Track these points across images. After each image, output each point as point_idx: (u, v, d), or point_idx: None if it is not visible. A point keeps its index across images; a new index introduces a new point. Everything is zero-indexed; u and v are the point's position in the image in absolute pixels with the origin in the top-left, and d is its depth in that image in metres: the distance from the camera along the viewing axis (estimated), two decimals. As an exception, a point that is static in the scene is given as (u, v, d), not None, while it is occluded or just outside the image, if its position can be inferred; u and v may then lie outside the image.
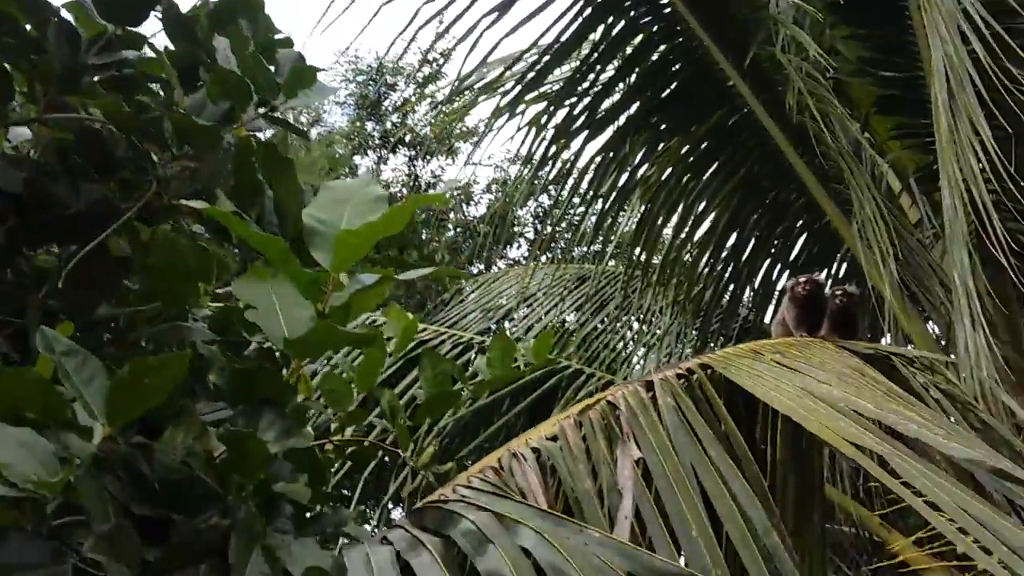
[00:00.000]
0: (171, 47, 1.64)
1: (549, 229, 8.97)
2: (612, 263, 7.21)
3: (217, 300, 1.97)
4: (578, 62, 5.46)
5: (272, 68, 1.61)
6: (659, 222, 5.94)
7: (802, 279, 3.98)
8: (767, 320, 6.03)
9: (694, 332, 6.28)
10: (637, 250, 6.03)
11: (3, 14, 1.50)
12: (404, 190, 10.75)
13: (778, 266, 6.06)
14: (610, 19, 5.30)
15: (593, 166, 5.77)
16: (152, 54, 1.61)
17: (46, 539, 1.04)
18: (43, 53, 1.51)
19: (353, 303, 1.32)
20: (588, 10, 5.22)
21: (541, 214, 11.01)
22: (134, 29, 1.60)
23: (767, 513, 2.20)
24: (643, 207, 5.97)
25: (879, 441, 2.29)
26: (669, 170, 5.79)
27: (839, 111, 4.68)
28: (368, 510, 8.02)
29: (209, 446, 1.16)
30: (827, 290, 4.07)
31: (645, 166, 5.84)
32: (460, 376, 2.35)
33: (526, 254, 11.17)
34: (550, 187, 6.44)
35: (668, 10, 5.23)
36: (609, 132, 5.65)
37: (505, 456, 2.40)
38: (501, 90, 5.49)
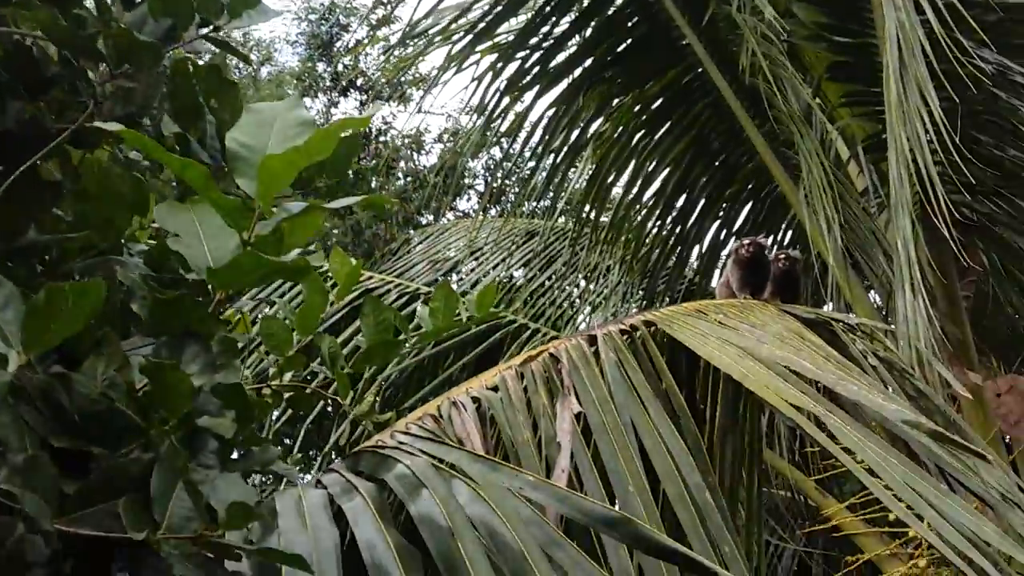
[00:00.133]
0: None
1: (497, 184, 8.95)
2: (562, 220, 7.21)
3: (158, 237, 1.91)
4: (532, 12, 5.40)
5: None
6: (610, 180, 5.94)
7: (746, 241, 4.01)
8: (713, 283, 6.06)
9: (640, 292, 6.31)
10: (587, 207, 6.03)
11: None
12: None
13: (725, 230, 6.10)
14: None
15: (545, 120, 5.74)
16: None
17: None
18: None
19: (284, 234, 1.28)
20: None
21: (492, 167, 10.94)
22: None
23: (704, 472, 2.21)
24: (594, 164, 5.96)
25: (817, 402, 2.31)
26: (621, 127, 5.78)
27: (792, 75, 4.69)
28: (311, 460, 8.00)
29: (131, 378, 1.12)
30: (771, 254, 4.09)
31: (598, 122, 5.83)
32: (402, 326, 2.32)
33: (476, 206, 11.11)
34: (502, 140, 6.40)
35: (626, -37, 5.20)
36: (563, 85, 5.62)
37: (445, 404, 2.38)
38: (455, 37, 5.42)
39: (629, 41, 5.47)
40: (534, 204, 8.44)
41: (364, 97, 11.55)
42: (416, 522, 1.50)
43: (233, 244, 1.27)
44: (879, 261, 4.94)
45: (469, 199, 11.75)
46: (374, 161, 10.08)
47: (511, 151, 6.37)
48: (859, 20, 4.82)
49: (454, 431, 2.25)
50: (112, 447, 1.07)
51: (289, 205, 1.30)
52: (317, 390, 2.35)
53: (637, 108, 5.71)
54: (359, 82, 11.72)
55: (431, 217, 10.03)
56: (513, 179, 8.03)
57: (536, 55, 5.53)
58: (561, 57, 5.58)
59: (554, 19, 5.44)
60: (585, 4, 5.44)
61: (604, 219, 6.13)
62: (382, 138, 10.89)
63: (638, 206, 6.03)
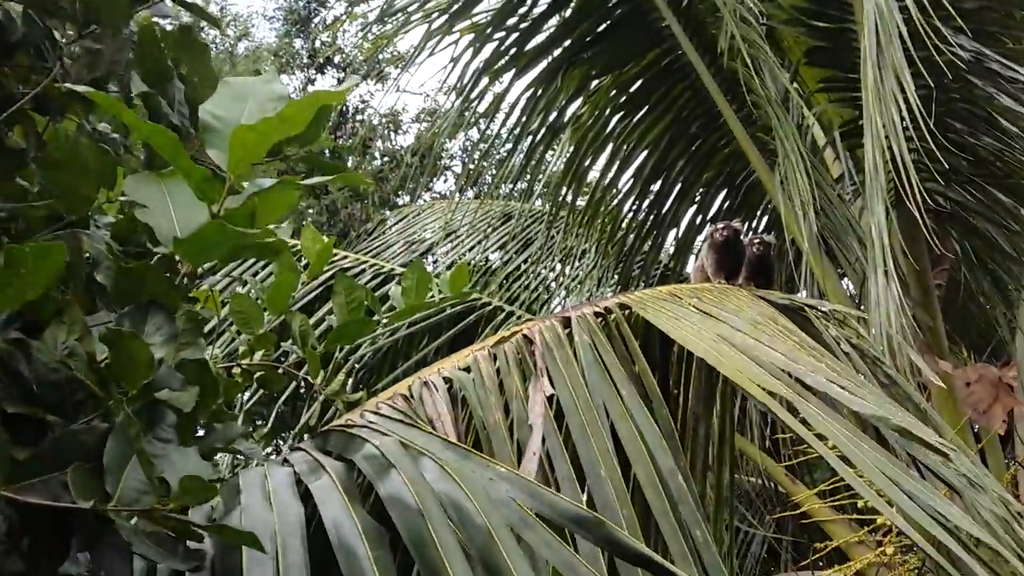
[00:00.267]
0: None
1: (473, 166, 8.90)
2: (539, 203, 7.19)
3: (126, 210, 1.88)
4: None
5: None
6: (587, 163, 5.92)
7: (720, 225, 4.01)
8: (688, 268, 6.07)
9: (616, 276, 6.30)
10: (563, 190, 6.01)
11: None
12: (331, 114, 10.49)
13: (700, 216, 6.10)
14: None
15: (523, 101, 5.71)
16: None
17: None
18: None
19: (258, 211, 1.25)
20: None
21: (470, 148, 10.91)
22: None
23: (675, 456, 2.21)
24: (572, 146, 5.94)
25: (789, 387, 2.30)
26: (599, 110, 5.76)
27: (770, 59, 4.68)
28: (284, 440, 7.97)
29: (92, 348, 1.10)
30: (745, 239, 4.09)
31: (576, 104, 5.80)
32: (375, 305, 2.30)
33: (453, 188, 11.07)
34: (480, 121, 6.37)
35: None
36: (541, 67, 5.59)
37: (416, 384, 2.36)
38: (433, 16, 5.38)
39: (608, 22, 5.45)
40: (511, 186, 8.42)
41: (341, 75, 11.47)
42: (385, 502, 1.47)
43: (202, 217, 1.25)
44: (853, 248, 4.95)
45: (446, 180, 11.72)
46: (351, 140, 10.02)
47: (488, 132, 6.34)
48: (838, 5, 4.83)
49: (425, 412, 2.23)
50: (70, 417, 1.05)
51: (261, 180, 1.28)
52: (288, 369, 2.33)
53: (615, 90, 5.70)
54: (336, 59, 11.63)
55: (408, 198, 9.99)
56: (491, 161, 7.99)
57: (514, 36, 5.50)
58: (540, 38, 5.56)
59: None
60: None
61: (580, 202, 6.12)
62: (359, 117, 10.81)
63: (615, 190, 6.02)
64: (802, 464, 5.58)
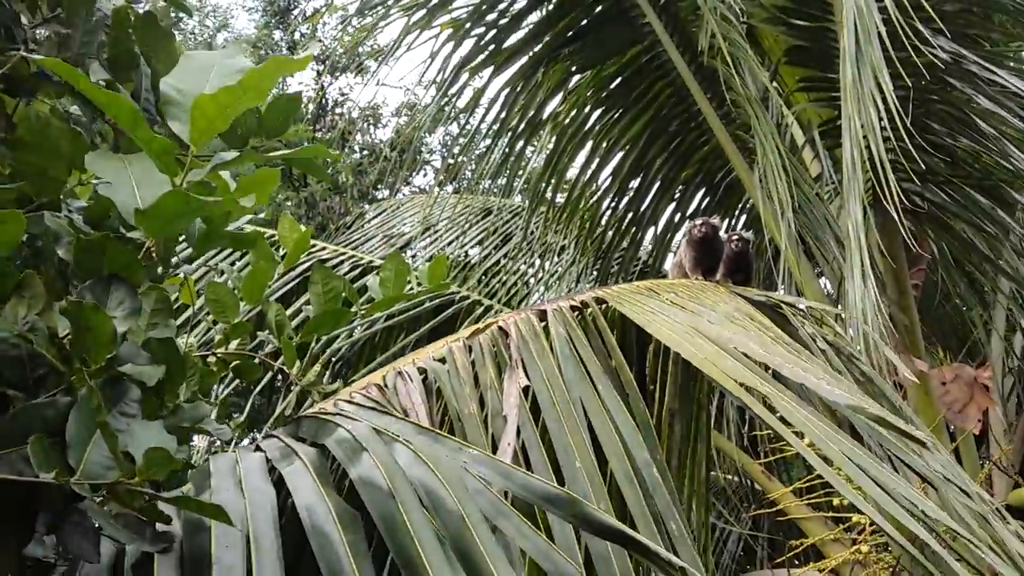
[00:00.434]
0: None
1: (453, 160, 8.88)
2: (519, 198, 7.18)
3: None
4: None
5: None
6: (567, 160, 5.92)
7: (698, 221, 4.01)
8: (666, 266, 6.08)
9: (595, 272, 6.31)
10: (543, 186, 6.00)
11: None
12: (311, 106, 10.52)
13: (679, 214, 6.11)
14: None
15: (502, 97, 5.70)
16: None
17: None
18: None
19: (236, 197, 1.23)
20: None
21: (450, 142, 10.89)
22: None
23: (651, 450, 2.20)
24: (552, 143, 5.94)
25: (765, 382, 2.30)
26: (579, 107, 5.75)
27: (750, 57, 4.69)
28: (259, 434, 7.92)
29: (53, 322, 1.08)
30: (723, 235, 4.10)
31: (556, 100, 5.80)
32: (352, 296, 2.29)
33: (432, 182, 11.05)
34: (460, 116, 6.35)
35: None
36: (521, 62, 5.58)
37: (390, 375, 2.35)
38: (413, 8, 5.36)
39: (589, 19, 5.44)
40: (490, 182, 8.41)
41: (320, 67, 11.44)
42: (356, 485, 1.46)
43: (164, 189, 1.23)
44: (831, 247, 4.97)
45: (426, 175, 11.69)
46: (330, 133, 9.97)
47: (468, 127, 6.33)
48: (818, 4, 4.84)
49: (399, 402, 2.21)
50: (31, 392, 1.03)
51: (223, 153, 1.25)
52: (264, 359, 2.31)
53: (595, 87, 5.70)
54: (316, 51, 11.57)
55: (387, 192, 9.96)
56: (470, 156, 7.98)
57: (494, 31, 5.48)
58: (520, 34, 5.55)
59: (515, -7, 5.41)
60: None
61: (560, 199, 6.12)
62: (338, 110, 10.77)
63: (594, 186, 6.02)
64: (778, 461, 5.60)
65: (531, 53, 5.55)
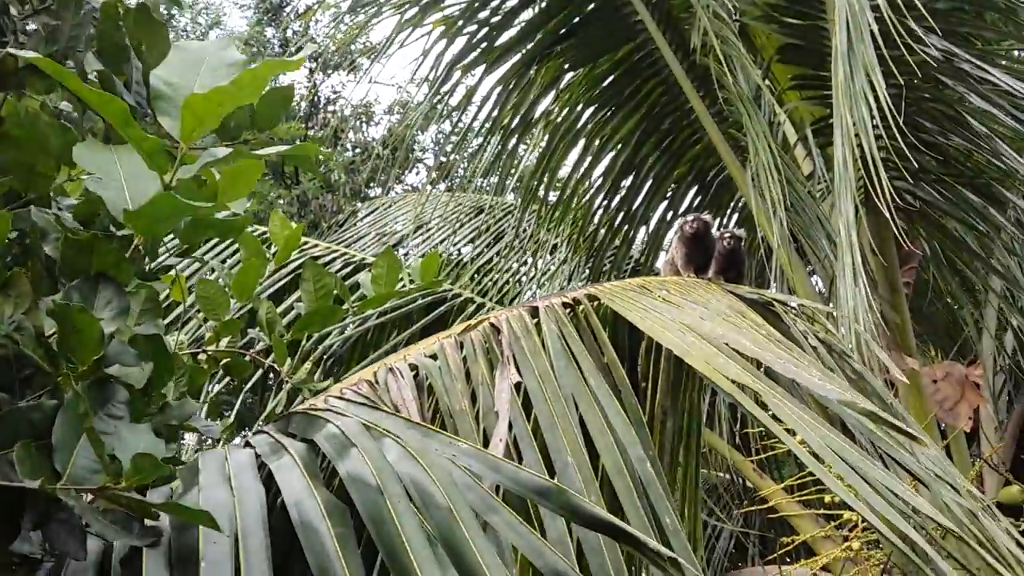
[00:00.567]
0: None
1: (445, 158, 8.87)
2: (511, 196, 7.18)
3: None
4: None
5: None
6: (559, 158, 5.91)
7: (690, 217, 4.00)
8: (658, 264, 6.08)
9: (587, 270, 6.30)
10: (535, 184, 6.00)
11: None
12: (303, 104, 10.51)
13: (671, 212, 6.10)
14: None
15: (495, 95, 5.69)
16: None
17: None
18: None
19: (220, 188, 1.22)
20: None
21: (442, 140, 10.87)
22: None
23: (644, 446, 2.19)
24: (544, 141, 5.93)
25: (756, 379, 2.30)
26: (571, 105, 5.75)
27: (743, 55, 4.69)
28: (249, 431, 7.91)
29: (39, 322, 1.07)
30: (715, 232, 4.09)
31: (548, 98, 5.79)
32: (344, 293, 2.28)
33: (425, 180, 11.04)
34: (452, 114, 6.35)
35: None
36: (514, 60, 5.58)
37: (381, 371, 2.34)
38: (404, 6, 5.36)
39: (581, 17, 5.44)
40: (483, 180, 8.41)
41: (313, 65, 11.43)
42: (344, 481, 1.46)
43: (154, 188, 1.22)
44: (822, 245, 4.97)
45: (418, 173, 11.68)
46: (322, 131, 9.96)
47: (461, 125, 6.32)
48: (811, 2, 4.84)
49: (390, 398, 2.21)
50: (17, 394, 1.02)
51: (214, 150, 1.24)
52: (254, 356, 2.30)
53: (588, 85, 5.69)
54: (308, 48, 11.54)
55: (379, 190, 9.94)
56: (463, 154, 7.97)
57: (487, 28, 5.48)
58: (512, 32, 5.54)
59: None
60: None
61: (552, 196, 6.11)
62: (331, 107, 10.75)
63: (586, 184, 6.02)
64: (770, 459, 5.61)
65: (523, 51, 5.55)
